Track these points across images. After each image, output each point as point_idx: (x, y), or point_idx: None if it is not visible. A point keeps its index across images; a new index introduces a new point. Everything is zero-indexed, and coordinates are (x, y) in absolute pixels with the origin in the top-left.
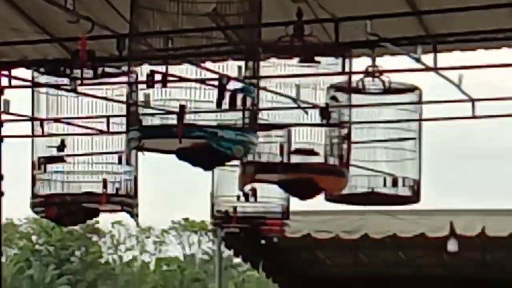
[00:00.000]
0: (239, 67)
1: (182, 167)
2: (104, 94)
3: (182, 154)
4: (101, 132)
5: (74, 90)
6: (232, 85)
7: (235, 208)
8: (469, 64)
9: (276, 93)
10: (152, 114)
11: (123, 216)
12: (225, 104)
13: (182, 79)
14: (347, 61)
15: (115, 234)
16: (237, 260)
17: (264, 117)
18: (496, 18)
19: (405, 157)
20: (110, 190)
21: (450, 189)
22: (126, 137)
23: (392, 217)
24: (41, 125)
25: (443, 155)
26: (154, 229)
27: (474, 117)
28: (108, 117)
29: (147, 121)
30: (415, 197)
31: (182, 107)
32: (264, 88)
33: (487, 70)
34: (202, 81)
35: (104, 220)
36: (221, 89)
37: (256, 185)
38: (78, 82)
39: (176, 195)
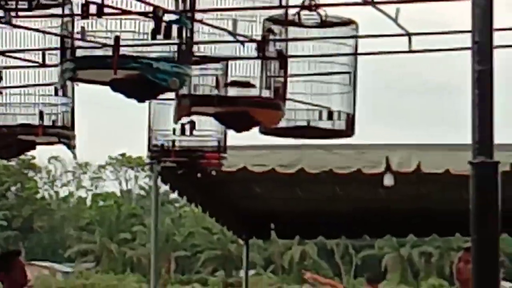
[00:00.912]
0: None
1: (120, 101)
2: (39, 26)
3: (117, 85)
4: (36, 64)
5: (8, 22)
6: (168, 17)
7: (173, 141)
8: None
9: (212, 26)
10: (87, 47)
11: (60, 151)
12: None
13: (117, 11)
14: None
15: (52, 169)
16: (174, 195)
17: (200, 49)
18: None
19: (340, 90)
20: (47, 122)
21: (386, 122)
22: (60, 67)
23: (329, 152)
24: None
25: (379, 89)
26: (90, 165)
27: (410, 51)
28: (43, 50)
29: (82, 52)
30: (349, 130)
31: (117, 38)
32: (200, 21)
33: (425, 4)
34: (138, 13)
35: (40, 155)
36: (157, 21)
37: (194, 118)
38: (13, 14)
39: (113, 130)
